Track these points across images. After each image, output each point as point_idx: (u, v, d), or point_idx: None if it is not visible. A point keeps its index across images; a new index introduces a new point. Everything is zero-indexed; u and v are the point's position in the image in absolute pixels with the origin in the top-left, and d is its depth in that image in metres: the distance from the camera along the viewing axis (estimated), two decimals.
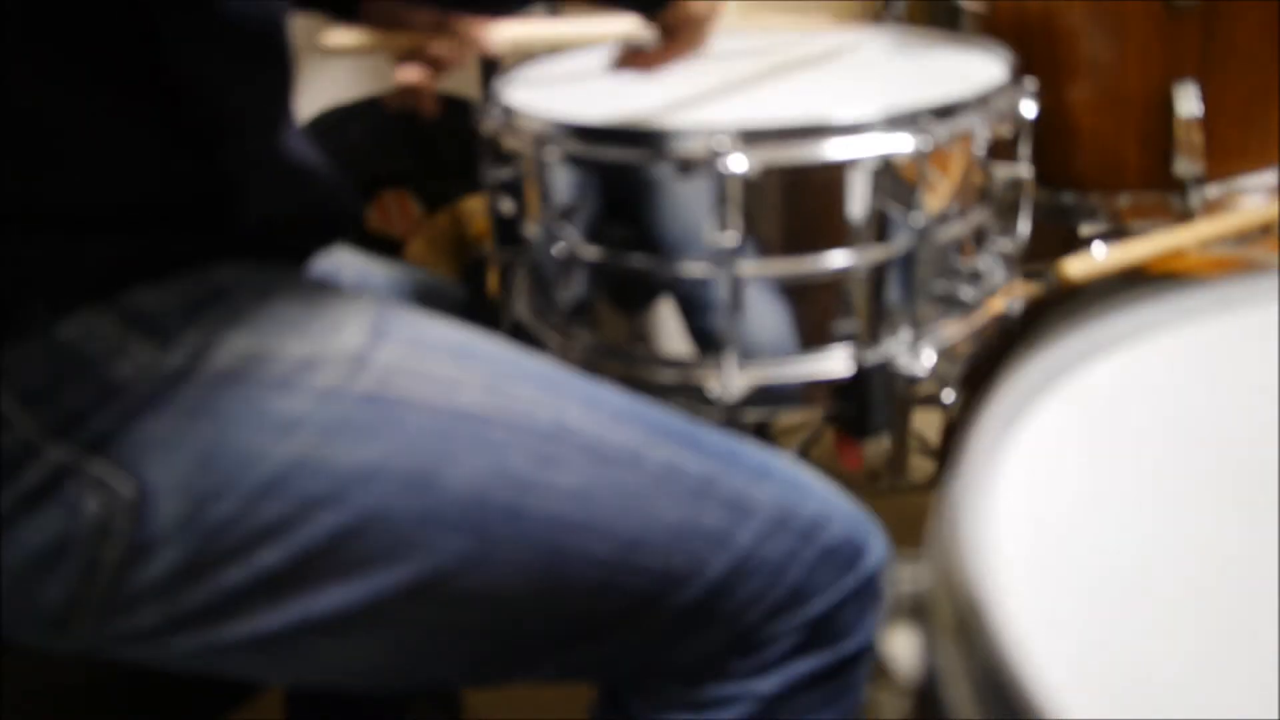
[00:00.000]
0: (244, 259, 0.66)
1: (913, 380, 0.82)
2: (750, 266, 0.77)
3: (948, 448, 1.13)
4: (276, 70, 0.69)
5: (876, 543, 0.72)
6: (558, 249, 0.79)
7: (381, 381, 0.64)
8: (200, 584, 0.62)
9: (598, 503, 0.65)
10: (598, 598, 0.66)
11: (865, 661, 0.72)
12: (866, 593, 0.71)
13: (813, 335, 0.80)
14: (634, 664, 0.71)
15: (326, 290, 0.69)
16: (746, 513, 0.68)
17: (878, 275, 0.79)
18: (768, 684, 0.70)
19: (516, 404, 0.66)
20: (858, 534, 0.71)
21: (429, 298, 0.98)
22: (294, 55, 0.71)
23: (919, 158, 0.75)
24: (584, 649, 0.69)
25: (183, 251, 0.64)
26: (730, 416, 0.81)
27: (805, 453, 1.77)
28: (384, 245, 1.63)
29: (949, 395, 1.08)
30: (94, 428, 0.60)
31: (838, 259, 0.78)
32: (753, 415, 0.83)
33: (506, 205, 0.90)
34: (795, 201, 0.77)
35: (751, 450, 0.72)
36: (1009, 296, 0.89)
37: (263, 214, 0.68)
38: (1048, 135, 1.03)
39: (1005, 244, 0.89)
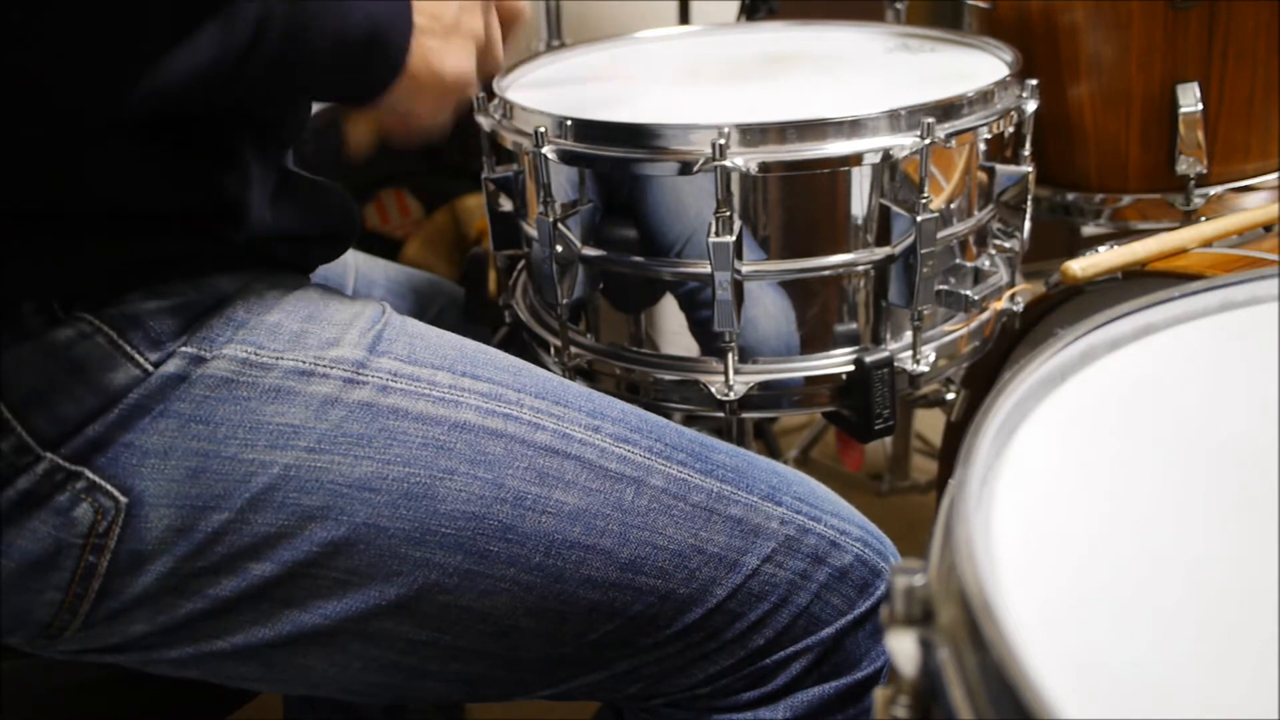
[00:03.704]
0: (246, 270, 0.66)
1: (914, 380, 0.82)
2: (751, 265, 0.77)
3: (949, 448, 1.13)
4: (297, 107, 0.69)
5: (891, 564, 0.70)
6: (557, 248, 0.79)
7: (379, 392, 0.63)
8: (190, 594, 0.61)
9: (598, 522, 0.64)
10: (596, 619, 0.65)
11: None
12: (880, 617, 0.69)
13: (814, 335, 0.80)
14: (635, 688, 0.69)
15: (327, 300, 0.68)
16: (755, 534, 0.67)
17: (879, 274, 0.79)
18: (776, 713, 0.68)
19: (517, 418, 0.65)
20: (871, 556, 0.70)
21: (427, 298, 0.98)
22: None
23: (921, 156, 0.74)
24: (582, 672, 0.68)
25: (184, 261, 0.63)
26: (731, 417, 0.80)
27: (806, 453, 1.77)
28: (382, 244, 1.62)
29: (950, 395, 1.08)
30: (87, 435, 0.59)
31: (839, 258, 0.78)
32: (753, 415, 0.83)
33: (505, 204, 0.89)
34: (796, 200, 0.77)
35: (763, 467, 0.71)
36: (1011, 296, 0.89)
37: (266, 227, 0.67)
38: (1050, 134, 1.03)
39: (1007, 243, 0.89)
